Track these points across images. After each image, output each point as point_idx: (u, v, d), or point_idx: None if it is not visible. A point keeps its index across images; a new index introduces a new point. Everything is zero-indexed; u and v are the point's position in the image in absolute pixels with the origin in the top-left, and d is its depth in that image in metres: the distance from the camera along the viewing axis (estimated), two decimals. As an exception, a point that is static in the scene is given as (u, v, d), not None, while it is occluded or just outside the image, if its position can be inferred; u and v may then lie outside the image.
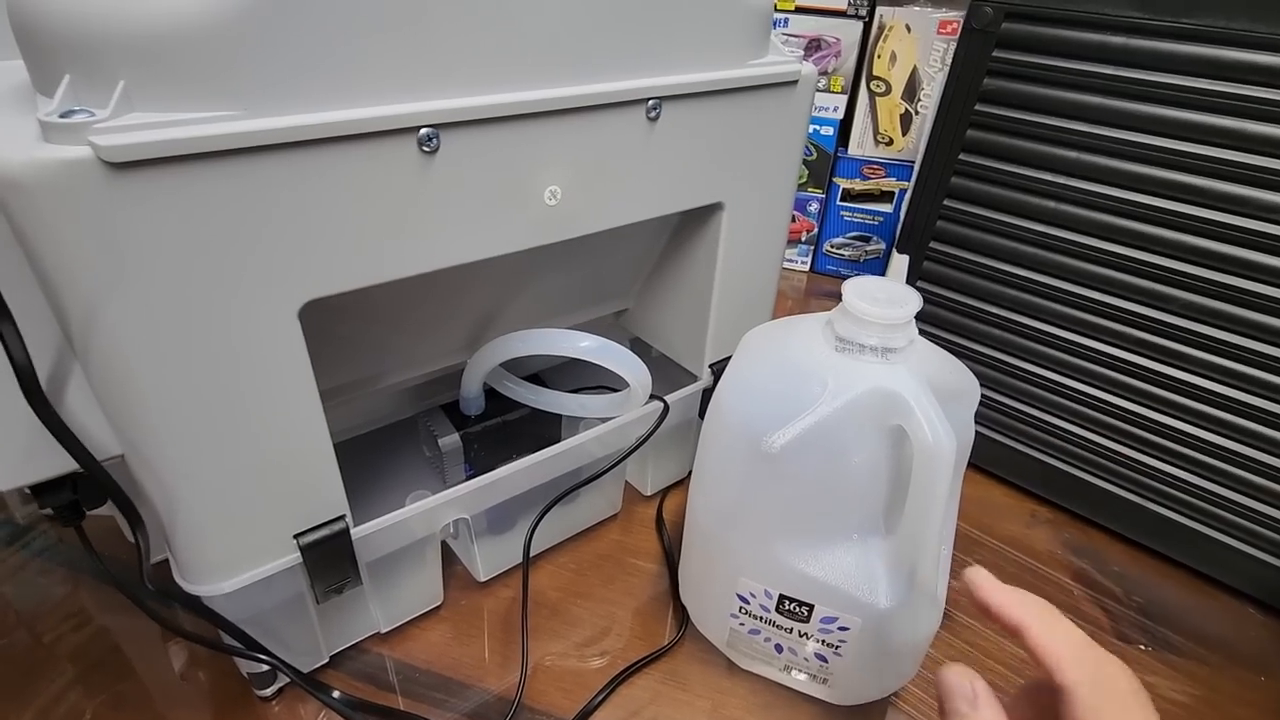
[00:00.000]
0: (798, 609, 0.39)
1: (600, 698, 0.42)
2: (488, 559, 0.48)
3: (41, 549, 0.52)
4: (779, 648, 0.41)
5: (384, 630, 0.45)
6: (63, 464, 0.30)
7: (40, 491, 0.31)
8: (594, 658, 0.45)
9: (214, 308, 0.28)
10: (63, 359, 0.29)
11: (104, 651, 0.45)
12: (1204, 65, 0.43)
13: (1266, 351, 0.46)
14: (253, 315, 0.29)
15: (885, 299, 0.35)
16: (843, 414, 0.35)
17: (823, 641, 0.39)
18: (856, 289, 0.36)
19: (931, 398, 0.33)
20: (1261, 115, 0.42)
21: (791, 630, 0.40)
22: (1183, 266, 0.47)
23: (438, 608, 0.47)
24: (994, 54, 0.50)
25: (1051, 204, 0.51)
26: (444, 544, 0.48)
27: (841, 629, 0.38)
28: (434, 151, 0.31)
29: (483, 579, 0.48)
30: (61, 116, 0.23)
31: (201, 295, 0.28)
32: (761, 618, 0.41)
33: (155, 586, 0.33)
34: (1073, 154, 0.49)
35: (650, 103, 0.37)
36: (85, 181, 0.24)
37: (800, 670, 0.42)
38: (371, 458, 0.52)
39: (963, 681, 0.28)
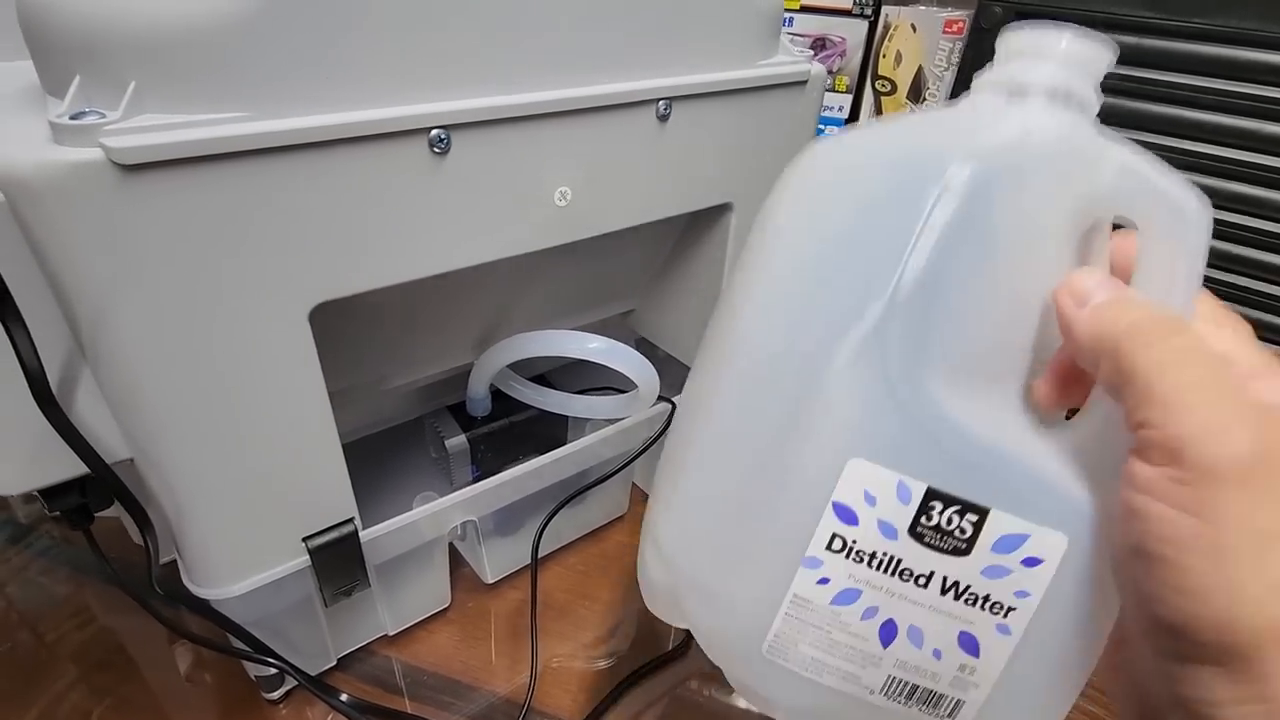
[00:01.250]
0: (956, 523, 0.21)
1: (608, 702, 0.42)
2: (495, 561, 0.48)
3: (45, 549, 0.51)
4: (890, 630, 0.23)
5: (391, 633, 0.45)
6: (71, 468, 0.30)
7: (49, 495, 0.31)
8: (601, 660, 0.45)
9: (224, 310, 0.28)
10: (72, 362, 0.28)
11: (109, 653, 0.44)
12: (1217, 65, 0.43)
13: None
14: (263, 317, 0.29)
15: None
16: (1043, 166, 0.21)
17: (984, 600, 0.22)
18: (1029, 30, 0.22)
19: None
20: (1271, 115, 0.42)
21: (929, 578, 0.22)
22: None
23: (445, 610, 0.47)
24: (1003, 54, 0.50)
25: (1061, 204, 0.51)
26: (451, 546, 0.48)
27: (1028, 564, 0.21)
28: (445, 153, 0.31)
29: (490, 581, 0.48)
30: (72, 118, 0.23)
31: (212, 297, 0.27)
32: (873, 556, 0.22)
33: (163, 589, 0.33)
34: (1082, 154, 0.49)
35: (661, 103, 0.37)
36: (96, 183, 0.23)
37: (907, 681, 0.23)
38: (378, 459, 0.51)
39: (1107, 276, 0.21)
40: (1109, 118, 0.48)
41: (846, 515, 0.22)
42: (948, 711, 0.23)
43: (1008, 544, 0.21)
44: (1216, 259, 0.46)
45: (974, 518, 0.21)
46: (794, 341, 0.23)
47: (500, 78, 0.32)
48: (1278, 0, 0.41)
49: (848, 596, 0.23)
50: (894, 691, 0.23)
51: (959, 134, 0.22)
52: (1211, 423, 0.18)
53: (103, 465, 0.28)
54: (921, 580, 0.22)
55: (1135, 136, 0.47)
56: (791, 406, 0.22)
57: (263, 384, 0.30)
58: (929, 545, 0.22)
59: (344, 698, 0.40)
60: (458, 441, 0.48)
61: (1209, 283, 0.47)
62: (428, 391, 0.51)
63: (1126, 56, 0.46)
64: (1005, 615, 0.22)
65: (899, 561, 0.22)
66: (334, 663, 0.43)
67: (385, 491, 0.48)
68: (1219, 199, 0.45)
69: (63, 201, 0.23)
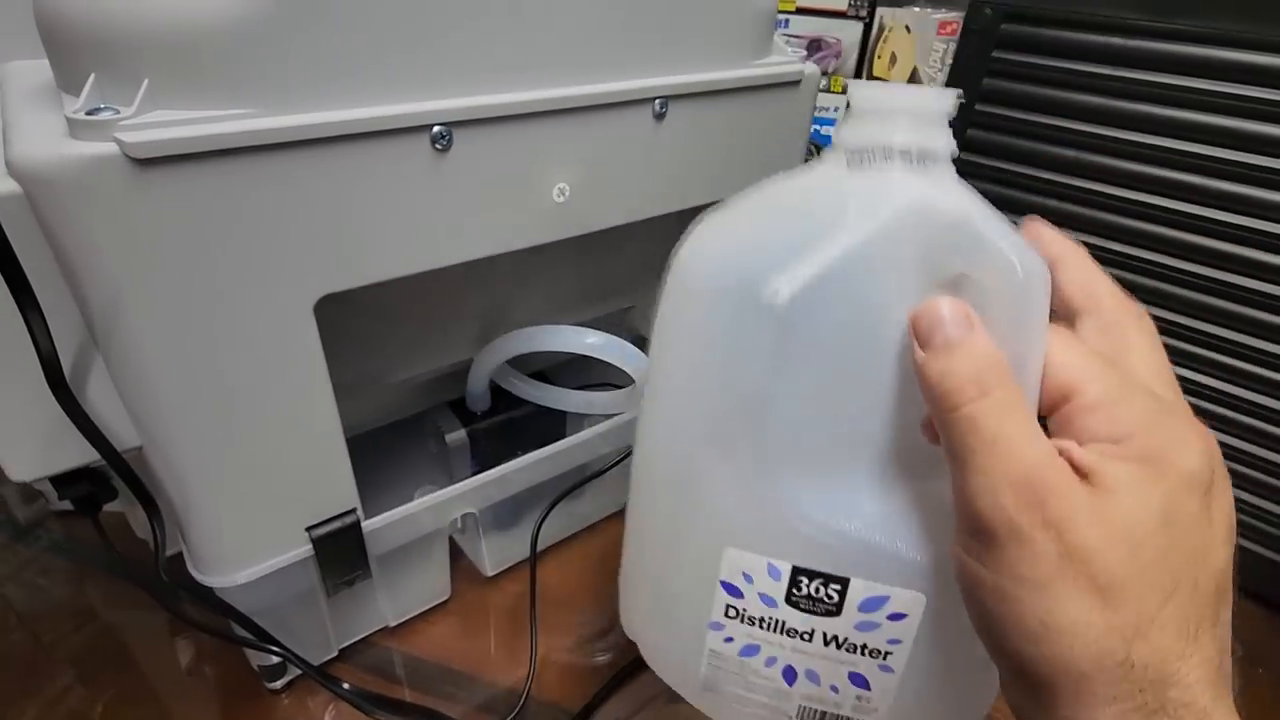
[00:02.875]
0: (823, 591, 0.25)
1: (607, 690, 0.43)
2: (494, 554, 0.48)
3: (47, 547, 0.52)
4: (790, 673, 0.27)
5: (392, 624, 0.46)
6: (82, 455, 0.30)
7: (59, 483, 0.32)
8: (601, 653, 0.45)
9: (232, 301, 0.29)
10: (84, 352, 0.29)
11: (113, 648, 0.45)
12: (1200, 66, 0.44)
13: (1265, 348, 0.46)
14: (269, 309, 0.30)
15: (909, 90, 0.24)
16: (875, 248, 0.22)
17: (862, 648, 0.25)
18: (867, 84, 0.24)
19: (1000, 216, 0.22)
20: (1257, 114, 0.43)
21: (812, 634, 0.25)
22: (1181, 264, 0.48)
23: (445, 602, 0.48)
24: (993, 54, 0.51)
25: (1052, 202, 0.52)
26: (451, 540, 0.48)
27: (894, 618, 0.24)
28: (446, 149, 0.32)
29: (489, 574, 0.49)
30: (88, 114, 0.24)
31: (220, 288, 0.28)
32: (761, 620, 0.26)
33: (169, 578, 0.34)
34: (1072, 153, 0.50)
35: (657, 102, 0.38)
36: (110, 177, 0.24)
37: (816, 709, 0.28)
38: (380, 454, 0.52)
39: (956, 307, 0.21)
40: (1098, 117, 0.48)
41: (733, 590, 0.26)
42: None
43: (872, 604, 0.24)
44: (1205, 255, 0.47)
45: (838, 586, 0.24)
46: (671, 442, 0.27)
47: (501, 76, 0.32)
48: (1261, 1, 0.42)
49: (750, 650, 0.27)
50: (808, 716, 0.27)
51: (805, 234, 0.23)
52: (988, 487, 0.19)
53: (111, 449, 0.29)
54: (805, 636, 0.25)
55: (1123, 135, 0.47)
56: (677, 501, 0.27)
57: (269, 374, 0.31)
58: (804, 610, 0.25)
59: (346, 686, 0.41)
60: (458, 436, 0.49)
61: (1200, 279, 0.48)
62: (429, 387, 0.52)
63: (1113, 58, 0.47)
64: (884, 658, 0.25)
65: (783, 623, 0.26)
66: (335, 653, 0.44)
67: (387, 485, 0.49)
68: (1207, 196, 0.46)
69: (78, 194, 0.24)
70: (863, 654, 0.25)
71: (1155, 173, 0.47)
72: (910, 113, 0.23)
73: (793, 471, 0.24)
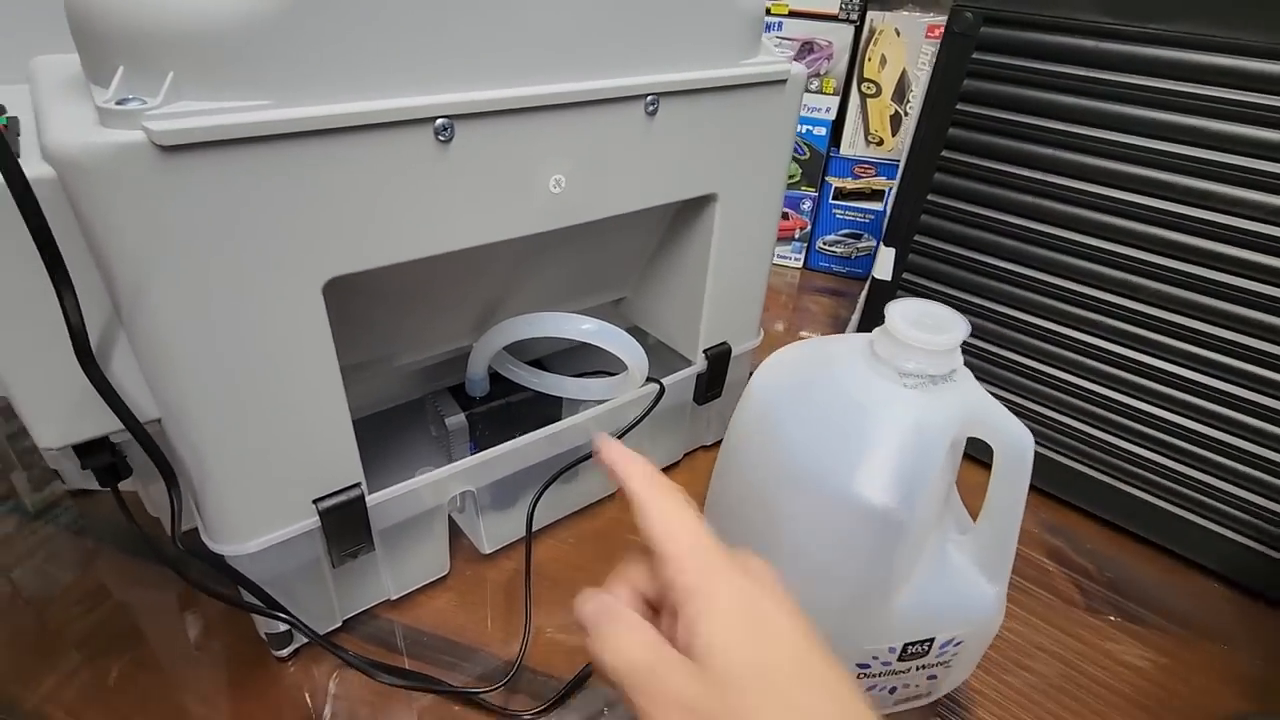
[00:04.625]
0: (919, 648, 0.38)
1: (598, 661, 0.45)
2: (492, 532, 0.50)
3: (59, 529, 0.54)
4: (893, 690, 0.41)
5: (393, 597, 0.48)
6: (105, 425, 0.32)
7: (82, 453, 0.34)
8: (592, 626, 0.47)
9: (247, 280, 0.31)
10: (110, 328, 0.31)
11: (126, 620, 0.47)
12: (1172, 67, 0.46)
13: (1233, 338, 0.48)
14: (281, 289, 0.32)
15: (933, 324, 0.35)
16: (931, 450, 0.34)
17: (938, 663, 0.40)
18: (905, 317, 0.35)
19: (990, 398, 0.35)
20: (1224, 114, 0.45)
21: (909, 669, 0.39)
22: (1153, 258, 0.50)
23: (444, 577, 0.50)
24: (974, 56, 0.53)
25: (1030, 199, 0.53)
26: (451, 520, 0.50)
27: (955, 644, 0.39)
28: (448, 141, 0.34)
29: (487, 551, 0.51)
30: (118, 104, 0.26)
31: (236, 268, 0.30)
32: (881, 673, 0.39)
33: (183, 546, 0.36)
34: (1050, 151, 0.52)
35: (649, 98, 0.40)
36: (138, 163, 0.26)
37: (907, 696, 0.42)
38: (382, 437, 0.54)
39: (599, 601, 0.27)
40: (1075, 117, 0.50)
41: (864, 666, 0.38)
42: (924, 695, 0.42)
43: (946, 644, 0.39)
44: (1175, 249, 0.49)
45: (928, 643, 0.38)
46: (810, 586, 0.36)
47: (501, 72, 0.34)
48: (1227, 7, 0.44)
49: (869, 689, 0.40)
50: (900, 698, 0.42)
51: (894, 460, 0.34)
52: None
53: (133, 419, 0.31)
54: (905, 670, 0.39)
55: (1099, 134, 0.49)
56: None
57: (280, 351, 0.33)
58: (907, 659, 0.39)
59: (351, 654, 0.42)
60: (457, 420, 0.51)
61: (1166, 271, 0.49)
62: (430, 372, 0.54)
63: (1088, 60, 0.49)
64: (949, 664, 0.40)
65: (894, 669, 0.39)
66: (339, 624, 0.46)
67: (389, 466, 0.50)
68: (1177, 193, 0.48)
69: (108, 178, 0.26)
70: (938, 666, 0.40)
71: (1128, 170, 0.49)
72: (936, 351, 0.34)
73: (901, 590, 0.36)
